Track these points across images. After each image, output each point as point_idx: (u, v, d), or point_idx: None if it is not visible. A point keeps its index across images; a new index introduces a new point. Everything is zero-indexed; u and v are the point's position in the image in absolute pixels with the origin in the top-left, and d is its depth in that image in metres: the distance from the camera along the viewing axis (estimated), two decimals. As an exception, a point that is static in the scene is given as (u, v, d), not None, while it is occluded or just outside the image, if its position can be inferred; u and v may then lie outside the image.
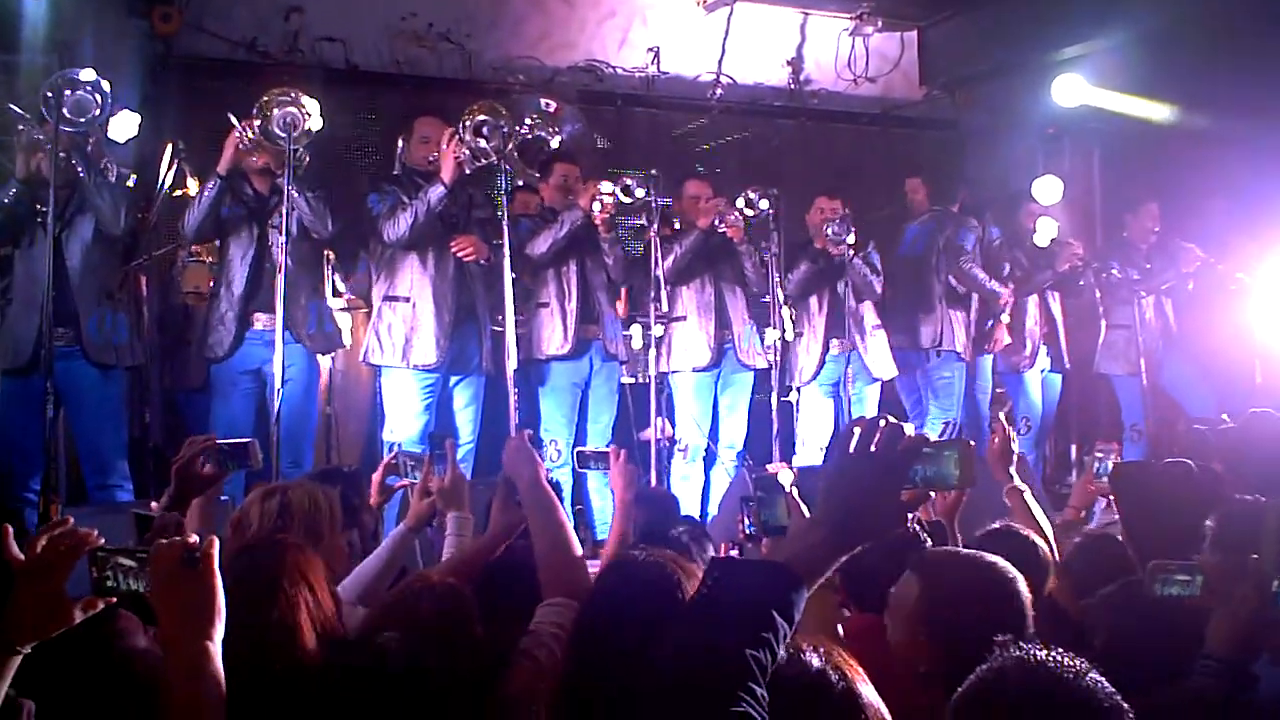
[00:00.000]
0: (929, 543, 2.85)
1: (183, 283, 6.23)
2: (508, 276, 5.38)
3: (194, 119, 6.55)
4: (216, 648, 1.82)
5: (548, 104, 5.68)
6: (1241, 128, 6.96)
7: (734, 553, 4.22)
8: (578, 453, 4.46)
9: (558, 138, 5.57)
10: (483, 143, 5.26)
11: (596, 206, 5.83)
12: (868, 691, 1.75)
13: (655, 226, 6.07)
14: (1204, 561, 2.37)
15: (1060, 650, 1.59)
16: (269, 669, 2.09)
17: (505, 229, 5.39)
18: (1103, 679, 1.51)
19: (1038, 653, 1.59)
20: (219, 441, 3.30)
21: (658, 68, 8.16)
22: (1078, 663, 1.56)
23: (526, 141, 5.60)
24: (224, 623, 1.84)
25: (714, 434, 6.42)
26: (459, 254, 5.58)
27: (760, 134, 8.53)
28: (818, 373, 6.58)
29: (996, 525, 3.30)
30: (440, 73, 7.60)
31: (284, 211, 4.94)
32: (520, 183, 5.76)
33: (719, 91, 8.26)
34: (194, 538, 1.90)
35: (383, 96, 7.35)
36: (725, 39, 8.23)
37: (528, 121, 5.56)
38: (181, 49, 6.86)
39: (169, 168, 6.12)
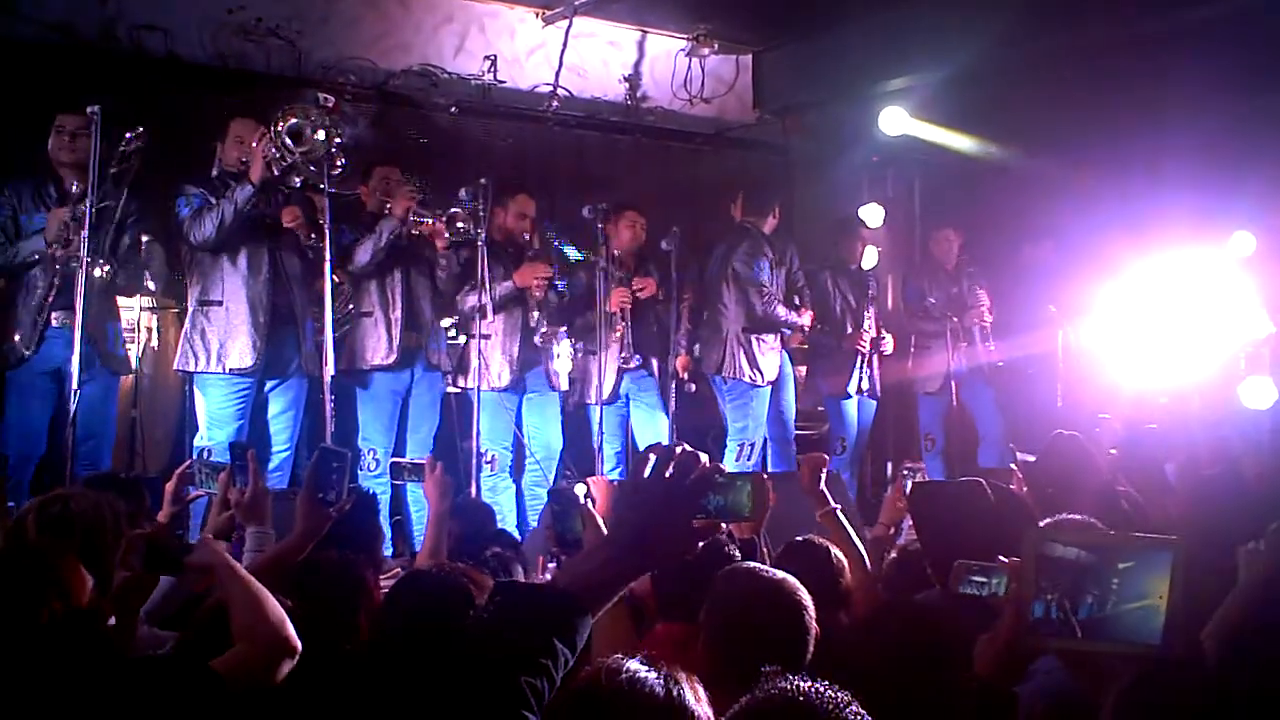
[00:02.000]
0: (738, 556, 2.89)
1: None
2: (328, 280, 5.27)
3: (3, 105, 6.17)
4: None
5: (325, 99, 5.54)
6: (1048, 161, 7.35)
7: (551, 565, 4.22)
8: (393, 464, 4.40)
9: (338, 137, 5.44)
10: (290, 142, 5.21)
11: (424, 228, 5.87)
12: (698, 705, 1.74)
13: (484, 236, 6.01)
14: (1008, 565, 2.45)
15: (824, 683, 1.61)
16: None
17: (327, 231, 5.28)
18: (864, 713, 1.54)
19: (802, 684, 1.61)
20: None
21: (494, 76, 8.10)
22: (839, 696, 1.58)
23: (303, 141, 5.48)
24: None
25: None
26: (286, 222, 5.53)
27: (595, 147, 8.56)
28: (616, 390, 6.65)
29: (799, 539, 3.40)
30: (268, 69, 7.36)
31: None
32: (298, 181, 5.63)
33: (555, 104, 8.26)
34: None
35: (205, 91, 7.05)
36: (563, 52, 8.23)
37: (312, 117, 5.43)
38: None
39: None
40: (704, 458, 1.59)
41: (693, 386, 6.88)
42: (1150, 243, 6.70)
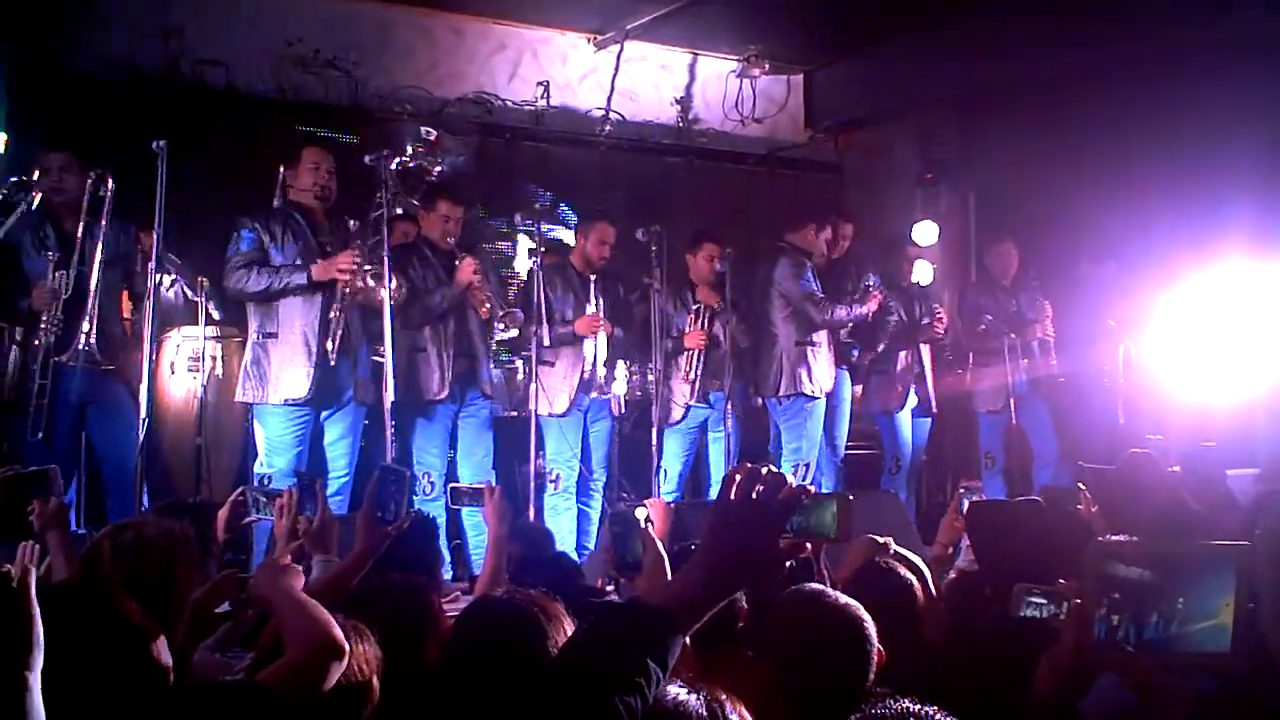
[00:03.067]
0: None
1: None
2: (387, 308, 5.35)
3: (67, 140, 6.34)
4: (36, 678, 1.76)
5: (429, 133, 5.66)
6: (1105, 175, 7.26)
7: (610, 588, 4.23)
8: (452, 489, 4.43)
9: (438, 167, 5.55)
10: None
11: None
12: None
13: (539, 260, 6.09)
14: (1068, 587, 2.43)
15: (924, 702, 1.61)
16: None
17: (387, 262, 5.36)
18: None
19: (911, 706, 1.61)
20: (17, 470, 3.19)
21: (547, 102, 8.19)
22: (938, 715, 1.59)
23: (408, 170, 5.58)
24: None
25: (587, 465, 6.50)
26: (468, 277, 5.73)
27: (648, 170, 8.61)
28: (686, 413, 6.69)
29: (871, 563, 3.36)
30: (325, 99, 7.51)
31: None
32: (400, 211, 5.72)
33: (608, 128, 8.33)
34: (8, 567, 1.83)
35: (264, 122, 7.21)
36: (615, 76, 8.31)
37: (409, 150, 5.54)
38: (56, 67, 6.67)
39: (39, 188, 5.91)
40: (791, 479, 1.61)
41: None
42: (1210, 255, 6.60)
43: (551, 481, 6.10)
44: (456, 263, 5.95)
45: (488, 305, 5.95)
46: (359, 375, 5.59)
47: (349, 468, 5.63)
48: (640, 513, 3.09)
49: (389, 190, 5.40)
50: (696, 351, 6.64)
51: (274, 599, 2.41)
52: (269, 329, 5.48)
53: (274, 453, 5.47)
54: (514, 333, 6.12)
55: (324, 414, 5.60)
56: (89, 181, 5.25)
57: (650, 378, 6.53)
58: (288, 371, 5.44)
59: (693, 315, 6.68)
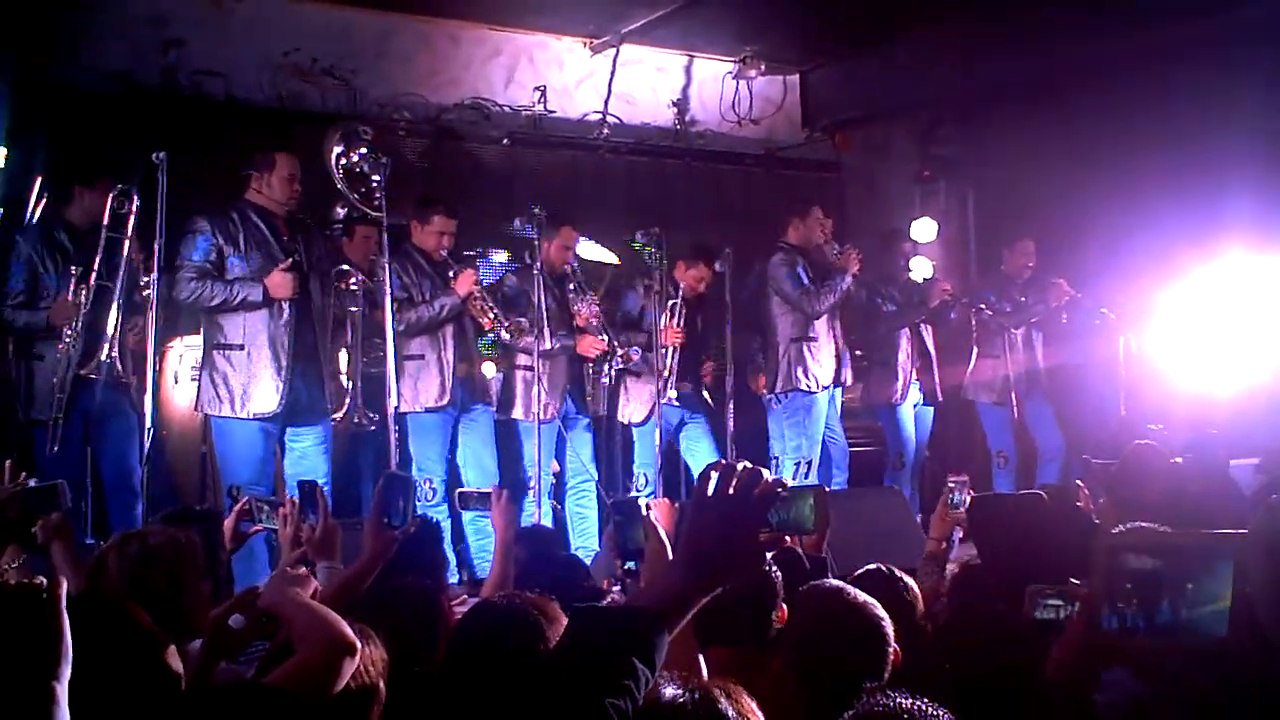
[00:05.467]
0: (779, 579, 2.89)
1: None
2: (389, 315, 5.37)
3: (65, 152, 6.37)
4: (63, 689, 1.77)
5: (365, 131, 5.63)
6: (1107, 170, 7.28)
7: (615, 589, 4.24)
8: (459, 494, 4.44)
9: (381, 171, 5.52)
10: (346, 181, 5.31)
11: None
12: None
13: (539, 264, 6.09)
14: (1079, 589, 2.45)
15: (924, 700, 1.62)
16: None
17: (388, 272, 5.36)
18: None
19: (903, 701, 1.62)
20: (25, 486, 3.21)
21: (544, 106, 8.21)
22: (939, 712, 1.59)
23: (352, 173, 5.57)
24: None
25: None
26: (466, 289, 5.77)
27: (646, 173, 8.63)
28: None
29: (871, 567, 3.37)
30: (324, 108, 7.52)
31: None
32: (341, 212, 5.72)
33: (605, 131, 8.34)
34: (41, 579, 1.84)
35: (265, 133, 7.20)
36: (611, 79, 8.32)
37: (364, 151, 5.53)
38: (53, 80, 6.68)
39: (37, 202, 5.94)
40: (767, 473, 1.61)
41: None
42: (1211, 248, 6.61)
43: (530, 487, 6.11)
44: (451, 273, 5.95)
45: (490, 316, 5.96)
46: (329, 388, 5.50)
47: (325, 478, 5.43)
48: (642, 500, 3.11)
49: (352, 198, 5.42)
50: (671, 348, 6.65)
51: (281, 604, 2.42)
52: (231, 339, 5.31)
53: (246, 468, 5.31)
54: (524, 339, 6.12)
55: (291, 425, 5.48)
56: (111, 196, 5.26)
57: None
58: (255, 385, 5.29)
59: (668, 312, 6.67)
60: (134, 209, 5.26)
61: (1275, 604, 1.69)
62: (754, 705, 1.78)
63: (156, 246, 4.95)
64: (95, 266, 5.25)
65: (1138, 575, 1.70)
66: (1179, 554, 1.69)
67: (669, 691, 1.74)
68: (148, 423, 4.93)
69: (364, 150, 5.56)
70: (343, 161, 5.52)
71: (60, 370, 5.20)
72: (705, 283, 6.81)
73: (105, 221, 5.30)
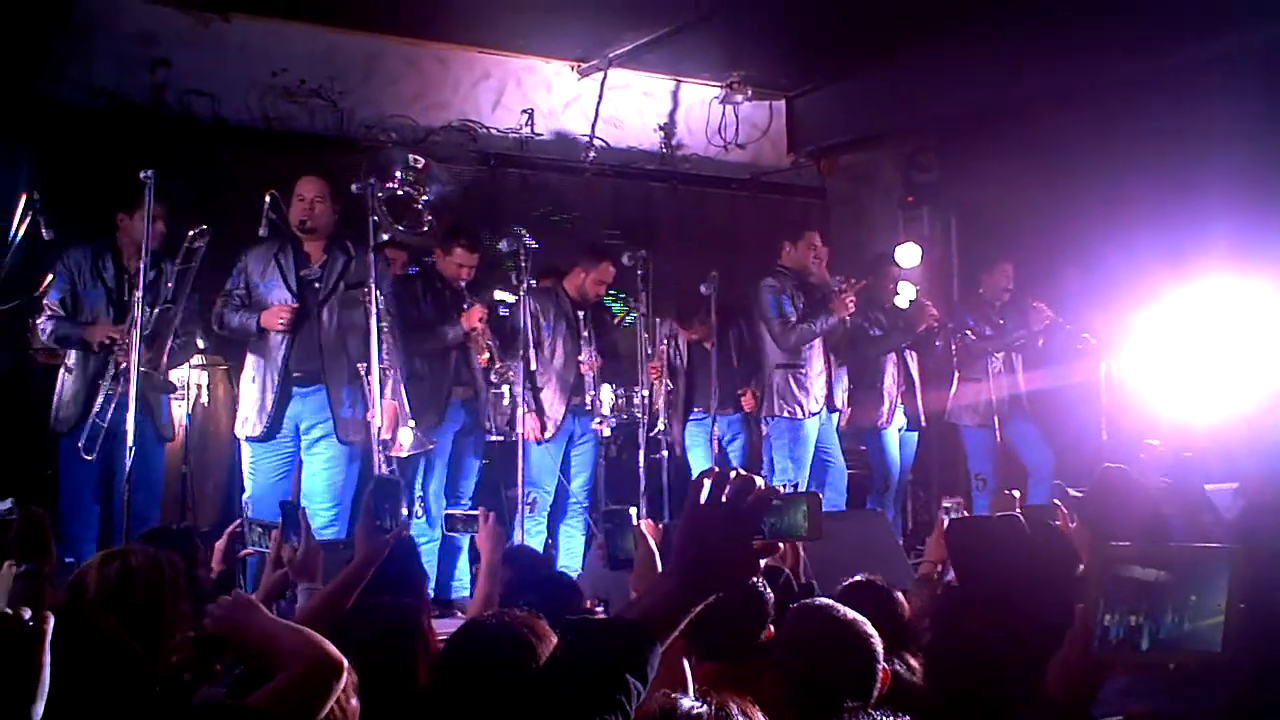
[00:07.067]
0: (769, 595, 2.91)
1: (32, 339, 6.02)
2: (374, 338, 5.37)
3: (53, 169, 6.37)
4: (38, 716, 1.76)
5: (416, 160, 5.69)
6: (1087, 195, 7.34)
7: (599, 609, 4.24)
8: (446, 515, 4.45)
9: (426, 195, 5.59)
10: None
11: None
12: None
13: (524, 286, 6.12)
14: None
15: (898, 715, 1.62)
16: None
17: (374, 293, 5.37)
18: None
19: (879, 717, 1.62)
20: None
21: (531, 129, 8.24)
22: None
23: (395, 197, 5.61)
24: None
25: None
26: (472, 324, 5.94)
27: (633, 196, 8.67)
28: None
29: (859, 578, 3.39)
30: (312, 129, 7.55)
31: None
32: (386, 237, 5.76)
33: (592, 154, 8.38)
34: (26, 612, 1.83)
35: (251, 153, 7.23)
36: (599, 103, 8.37)
37: (398, 175, 5.58)
38: (43, 98, 6.69)
39: (24, 218, 5.93)
40: (759, 480, 1.59)
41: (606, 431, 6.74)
42: (1191, 271, 6.66)
43: (528, 504, 6.11)
44: (465, 305, 6.04)
45: (487, 355, 6.06)
46: (342, 414, 5.51)
47: (335, 500, 5.51)
48: (632, 510, 3.12)
49: (377, 218, 5.44)
50: (653, 384, 6.70)
51: (252, 630, 2.37)
52: (246, 361, 5.58)
53: (260, 487, 5.48)
54: (505, 384, 6.19)
55: (305, 445, 5.56)
56: (190, 233, 5.44)
57: (636, 401, 6.57)
58: (249, 407, 5.50)
59: (660, 352, 6.85)
60: (204, 245, 5.44)
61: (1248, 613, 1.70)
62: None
63: (143, 265, 4.95)
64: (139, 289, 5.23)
65: (1144, 586, 1.70)
66: (1183, 564, 1.69)
67: (685, 703, 1.74)
68: (129, 440, 4.92)
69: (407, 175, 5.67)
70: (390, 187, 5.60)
71: (86, 383, 5.35)
72: (704, 338, 6.92)
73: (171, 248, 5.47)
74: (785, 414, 6.84)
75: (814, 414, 6.90)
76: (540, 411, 6.33)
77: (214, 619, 2.36)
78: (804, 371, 6.89)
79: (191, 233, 5.43)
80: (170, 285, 5.43)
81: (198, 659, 2.47)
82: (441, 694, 2.31)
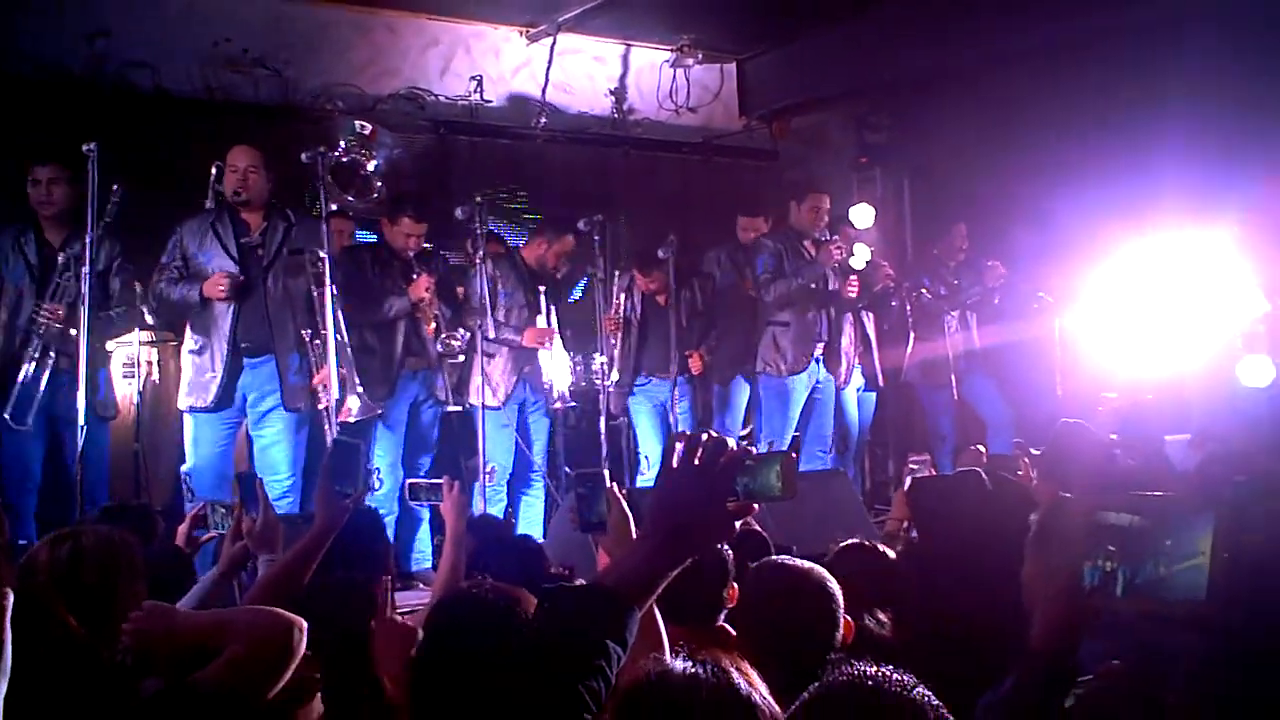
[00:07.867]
0: (729, 556, 2.92)
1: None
2: (329, 309, 5.29)
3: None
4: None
5: (363, 126, 5.61)
6: (1041, 153, 7.37)
7: (565, 573, 4.23)
8: (410, 484, 4.41)
9: (373, 162, 5.50)
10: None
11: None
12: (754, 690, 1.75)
13: (480, 253, 6.06)
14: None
15: (891, 668, 1.61)
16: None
17: (328, 263, 5.29)
18: (929, 693, 1.54)
19: (869, 669, 1.61)
20: None
21: (481, 96, 8.15)
22: (906, 678, 1.59)
23: (342, 165, 5.53)
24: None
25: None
26: (420, 294, 5.86)
27: (585, 161, 8.60)
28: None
29: (852, 540, 3.39)
30: (256, 99, 7.40)
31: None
32: (334, 207, 5.68)
33: (543, 120, 8.30)
34: None
35: (194, 125, 7.06)
36: (548, 68, 8.28)
37: (343, 144, 5.50)
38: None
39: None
40: (731, 441, 1.59)
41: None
42: (1144, 225, 6.72)
43: (487, 474, 6.08)
44: (414, 275, 5.96)
45: (434, 325, 6.00)
46: (289, 381, 5.46)
47: (292, 470, 5.49)
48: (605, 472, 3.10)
49: (324, 186, 5.35)
50: (611, 336, 6.71)
51: (174, 634, 2.29)
52: (191, 331, 5.49)
53: (202, 459, 5.45)
54: (454, 349, 6.14)
55: (252, 417, 5.53)
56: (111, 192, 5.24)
57: (594, 368, 6.54)
58: (197, 377, 5.42)
59: (615, 302, 6.80)
60: (117, 204, 5.23)
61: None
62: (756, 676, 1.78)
63: (89, 239, 4.86)
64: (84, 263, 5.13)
65: (1120, 532, 1.70)
66: (1159, 509, 1.69)
67: (679, 665, 1.72)
68: (80, 419, 4.83)
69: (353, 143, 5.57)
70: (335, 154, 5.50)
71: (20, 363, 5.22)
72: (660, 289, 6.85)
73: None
74: (769, 370, 6.91)
75: (796, 373, 6.91)
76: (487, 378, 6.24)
77: (132, 636, 2.29)
78: (786, 330, 6.92)
79: (114, 189, 5.27)
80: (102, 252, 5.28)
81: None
82: (431, 668, 2.27)
